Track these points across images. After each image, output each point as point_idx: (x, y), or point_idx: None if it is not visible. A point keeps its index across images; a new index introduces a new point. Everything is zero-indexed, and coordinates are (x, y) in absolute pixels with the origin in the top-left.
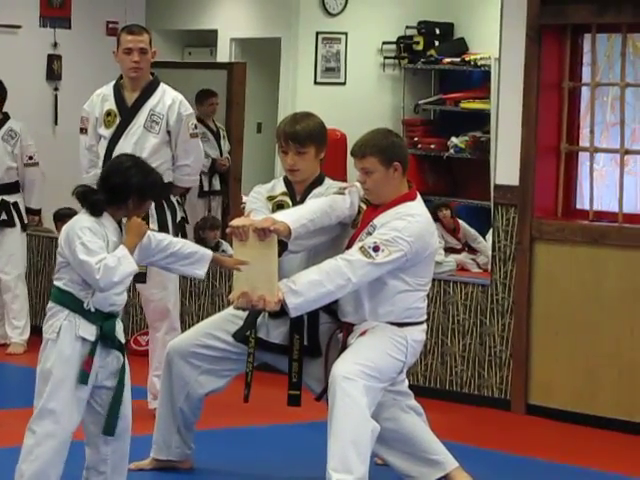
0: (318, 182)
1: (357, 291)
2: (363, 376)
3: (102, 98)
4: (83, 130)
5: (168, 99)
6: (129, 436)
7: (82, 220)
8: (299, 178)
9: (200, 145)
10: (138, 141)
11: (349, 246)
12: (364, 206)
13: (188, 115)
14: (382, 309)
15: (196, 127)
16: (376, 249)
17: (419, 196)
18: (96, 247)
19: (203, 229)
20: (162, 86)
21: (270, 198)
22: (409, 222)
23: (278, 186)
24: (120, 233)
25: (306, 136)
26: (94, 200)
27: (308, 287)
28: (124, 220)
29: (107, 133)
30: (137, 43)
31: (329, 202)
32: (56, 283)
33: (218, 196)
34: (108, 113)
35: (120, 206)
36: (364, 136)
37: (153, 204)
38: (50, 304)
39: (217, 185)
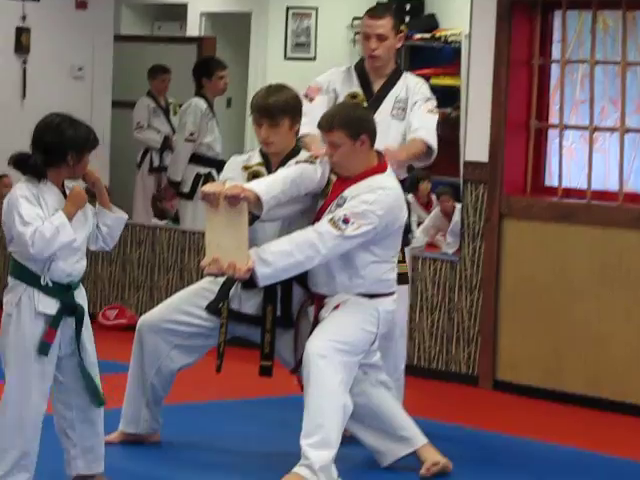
0: (294, 154)
1: (328, 263)
2: (337, 352)
3: (345, 77)
4: (308, 97)
5: (412, 83)
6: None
7: (19, 189)
8: (273, 150)
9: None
10: (388, 130)
11: (318, 217)
12: (334, 177)
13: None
14: (353, 281)
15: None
16: (346, 221)
17: (390, 168)
18: (31, 217)
19: (160, 200)
20: (405, 74)
21: (245, 168)
22: (379, 195)
23: (254, 157)
24: (63, 201)
25: (279, 109)
26: (33, 163)
27: (278, 257)
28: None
29: None
30: (375, 28)
31: (299, 172)
32: (13, 255)
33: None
34: (353, 96)
35: (60, 165)
36: (331, 109)
37: None
38: (10, 277)
39: (167, 161)
